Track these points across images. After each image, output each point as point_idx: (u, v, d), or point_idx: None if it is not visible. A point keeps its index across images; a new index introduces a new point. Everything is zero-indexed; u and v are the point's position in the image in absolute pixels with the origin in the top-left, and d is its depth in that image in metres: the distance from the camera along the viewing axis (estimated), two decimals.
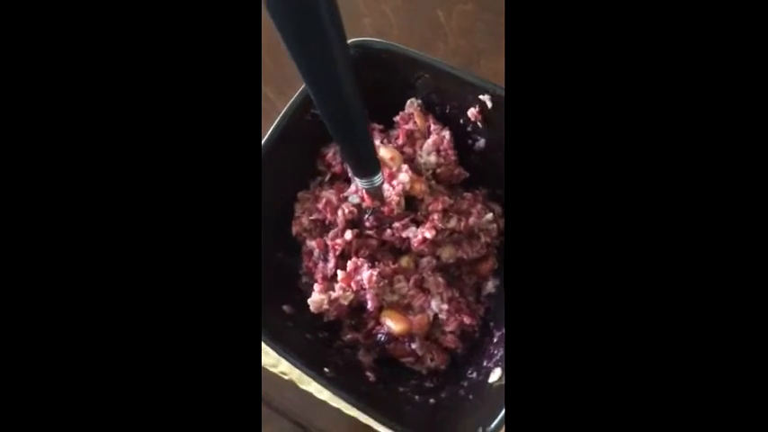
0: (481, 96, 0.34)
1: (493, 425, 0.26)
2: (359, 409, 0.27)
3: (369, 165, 0.28)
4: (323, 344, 0.33)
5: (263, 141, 0.33)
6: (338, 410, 0.36)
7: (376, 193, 0.32)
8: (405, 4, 0.48)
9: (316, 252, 0.34)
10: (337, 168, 0.36)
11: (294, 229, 0.35)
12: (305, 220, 0.35)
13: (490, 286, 0.37)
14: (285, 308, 0.33)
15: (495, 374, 0.30)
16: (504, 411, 0.26)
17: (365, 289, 0.31)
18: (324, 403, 0.36)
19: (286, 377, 0.39)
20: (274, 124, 0.34)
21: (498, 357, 0.31)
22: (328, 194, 0.35)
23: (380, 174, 0.29)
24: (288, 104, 0.33)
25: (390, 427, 0.26)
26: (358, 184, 0.30)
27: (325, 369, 0.29)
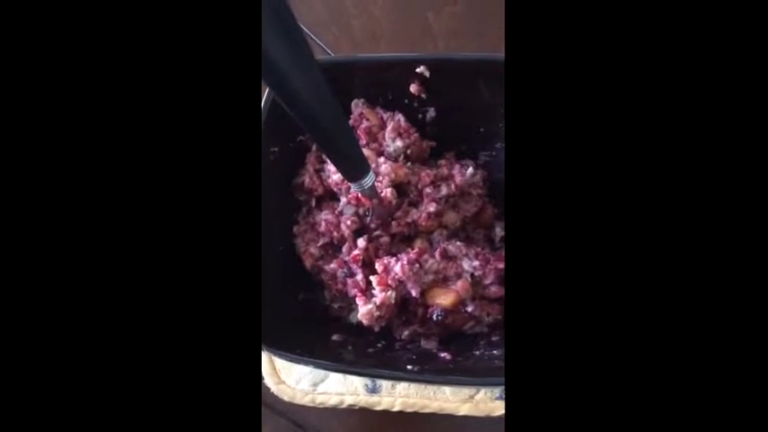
0: (417, 69, 0.35)
1: None
2: (457, 384, 0.28)
3: (358, 167, 0.29)
4: (387, 350, 0.33)
5: None
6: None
7: (371, 193, 0.32)
8: (394, 6, 0.48)
9: (339, 273, 0.34)
10: (320, 190, 0.36)
11: (308, 263, 0.35)
12: (313, 250, 0.35)
13: (498, 230, 0.38)
14: (335, 337, 0.33)
15: None
16: None
17: (403, 281, 0.32)
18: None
19: (356, 407, 0.38)
20: None
21: None
22: (324, 216, 0.35)
23: (371, 173, 0.30)
24: None
25: (497, 384, 0.27)
26: (352, 189, 0.30)
27: (409, 367, 0.29)
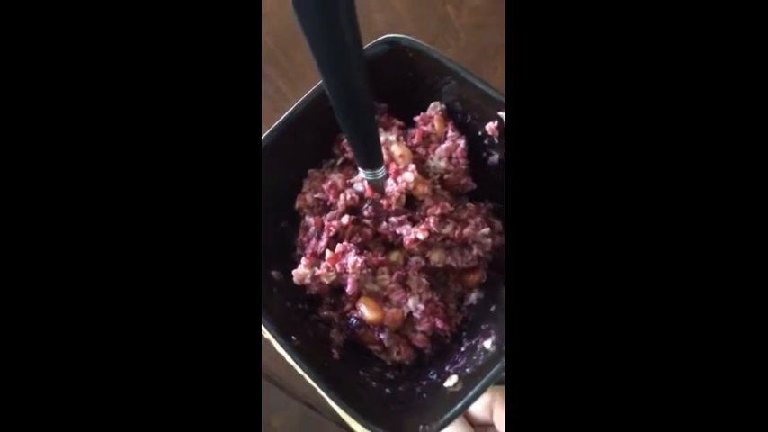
0: (500, 113, 0.34)
1: (435, 425, 0.27)
2: (315, 381, 0.29)
3: (373, 159, 0.29)
4: (300, 314, 0.35)
5: (285, 115, 0.35)
6: None
7: (377, 186, 0.33)
8: (415, 0, 0.49)
9: (312, 229, 0.36)
10: (350, 155, 0.37)
11: (297, 203, 0.37)
12: (309, 197, 0.37)
13: (473, 297, 0.37)
14: (274, 273, 0.35)
15: (452, 380, 0.31)
16: (447, 415, 0.27)
17: (347, 273, 0.33)
18: None
19: (264, 336, 0.41)
20: (297, 102, 0.35)
21: (460, 365, 0.32)
22: (335, 178, 0.36)
23: (383, 168, 0.30)
24: (312, 89, 0.35)
25: (339, 405, 0.28)
26: (362, 174, 0.31)
27: (293, 337, 0.30)
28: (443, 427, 0.27)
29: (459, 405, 0.27)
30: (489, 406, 0.32)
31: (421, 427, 0.28)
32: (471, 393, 0.27)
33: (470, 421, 0.33)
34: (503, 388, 0.33)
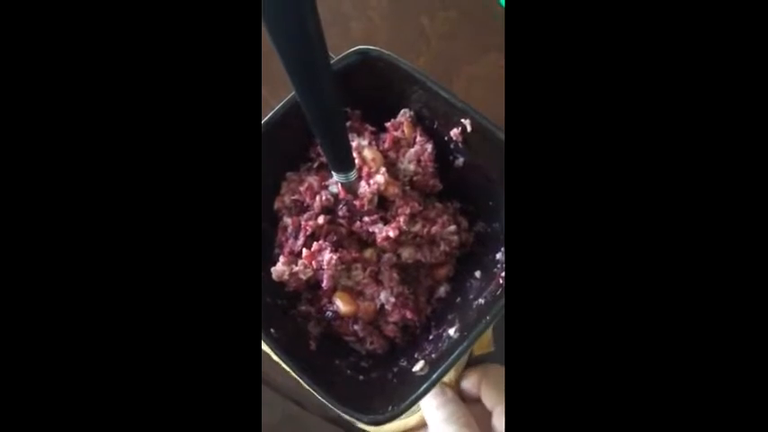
0: (463, 120, 0.37)
1: (402, 405, 0.30)
2: (293, 370, 0.31)
3: (344, 163, 0.32)
4: (279, 309, 0.37)
5: (263, 121, 0.37)
6: None
7: (350, 188, 0.36)
8: (391, 10, 0.52)
9: (289, 228, 0.38)
10: (325, 158, 0.39)
11: (276, 205, 0.39)
12: (287, 199, 0.39)
13: (442, 291, 0.40)
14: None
15: (419, 365, 0.33)
16: (413, 395, 0.30)
17: (323, 269, 0.35)
18: None
19: None
20: (277, 108, 0.37)
21: (427, 352, 0.35)
22: (312, 180, 0.38)
23: (354, 171, 0.33)
24: (288, 97, 0.37)
25: (314, 390, 0.30)
26: (335, 177, 0.33)
27: (272, 330, 0.33)
28: (410, 406, 0.30)
29: (425, 386, 0.30)
30: (478, 383, 0.35)
31: (390, 407, 0.30)
32: (435, 375, 0.30)
33: (462, 397, 0.35)
34: (491, 366, 0.36)
